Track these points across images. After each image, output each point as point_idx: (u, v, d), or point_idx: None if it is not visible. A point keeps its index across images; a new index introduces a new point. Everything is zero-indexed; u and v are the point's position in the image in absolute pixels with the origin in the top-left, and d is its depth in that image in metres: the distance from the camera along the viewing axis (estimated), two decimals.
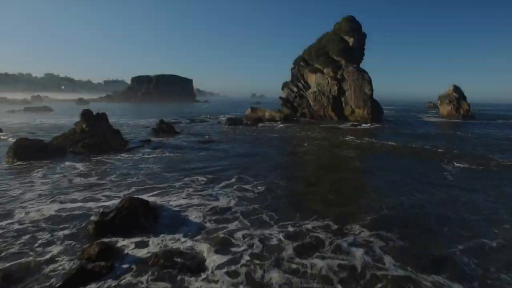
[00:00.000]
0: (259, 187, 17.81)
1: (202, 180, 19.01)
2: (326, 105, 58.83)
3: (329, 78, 58.63)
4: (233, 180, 19.25)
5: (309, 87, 61.95)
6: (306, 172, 21.91)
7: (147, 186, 17.47)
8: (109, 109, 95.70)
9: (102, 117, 30.33)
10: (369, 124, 52.19)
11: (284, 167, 22.96)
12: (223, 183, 18.55)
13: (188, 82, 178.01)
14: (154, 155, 26.15)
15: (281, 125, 49.71)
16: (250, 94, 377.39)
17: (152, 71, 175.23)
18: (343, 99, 58.18)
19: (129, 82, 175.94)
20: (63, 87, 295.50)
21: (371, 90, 55.61)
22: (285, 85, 64.66)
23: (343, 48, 58.22)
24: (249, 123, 50.76)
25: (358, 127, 50.05)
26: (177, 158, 25.08)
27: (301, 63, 63.06)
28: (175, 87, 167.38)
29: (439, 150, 29.98)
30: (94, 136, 27.67)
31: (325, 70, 59.30)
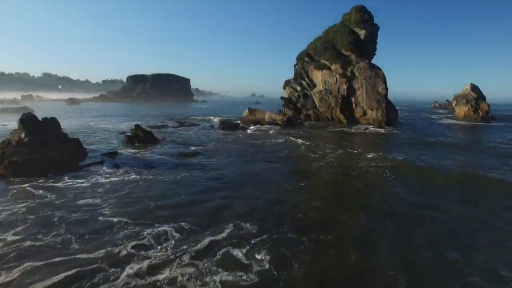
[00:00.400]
0: (259, 256, 10.01)
1: (171, 236, 11.26)
2: (334, 106, 50.90)
3: (337, 76, 50.67)
4: (219, 236, 11.39)
5: (315, 86, 53.99)
6: (326, 217, 13.95)
7: (56, 260, 9.50)
8: (96, 110, 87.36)
9: (51, 123, 22.31)
10: (383, 129, 44.27)
11: (292, 205, 14.91)
12: (202, 243, 10.76)
13: (186, 81, 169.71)
14: (113, 179, 18.21)
15: (283, 131, 41.76)
16: (250, 94, 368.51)
17: (152, 71, 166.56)
18: (353, 99, 50.26)
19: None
20: (60, 87, 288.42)
21: (386, 89, 47.75)
22: (287, 84, 56.65)
23: (353, 41, 50.26)
24: (246, 127, 42.81)
25: (371, 129, 42.25)
26: (143, 185, 17.14)
27: (306, 58, 55.04)
28: (172, 86, 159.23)
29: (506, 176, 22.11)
30: (33, 150, 19.68)
31: (332, 67, 51.33)
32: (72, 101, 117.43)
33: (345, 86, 49.95)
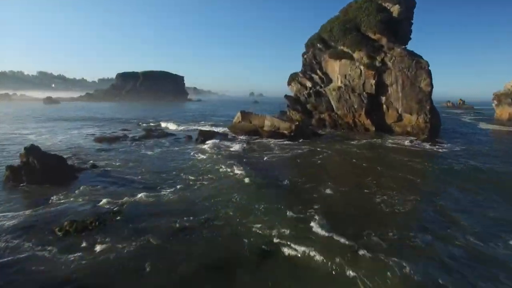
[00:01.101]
0: None
1: None
2: (358, 108, 36.64)
3: (362, 67, 36.41)
4: None
5: (330, 81, 39.69)
6: None
7: None
8: (68, 110, 71.00)
9: None
10: (430, 144, 30.00)
11: None
12: None
13: (180, 79, 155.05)
14: None
15: (293, 148, 27.58)
16: (249, 93, 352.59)
17: (149, 69, 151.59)
18: (383, 98, 36.01)
19: None
20: (53, 85, 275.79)
21: (431, 85, 33.55)
22: (293, 78, 42.30)
23: (383, 20, 35.97)
24: (235, 140, 28.69)
25: (414, 143, 28.13)
26: None
27: (318, 45, 40.60)
28: (164, 84, 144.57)
29: None
30: None
31: (355, 55, 37.05)
32: (50, 101, 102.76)
33: (373, 81, 35.71)
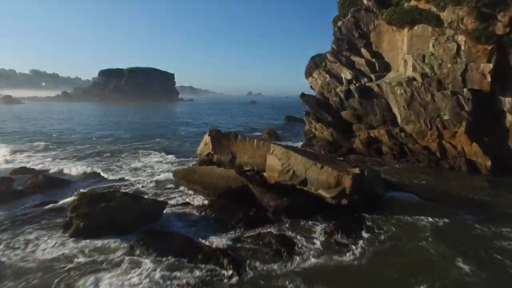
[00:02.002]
0: None
1: None
2: (450, 121, 17.59)
3: (460, 38, 17.35)
4: None
5: (389, 68, 20.63)
6: None
7: None
8: (14, 114, 50.78)
9: None
10: None
11: None
12: None
13: (169, 76, 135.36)
14: None
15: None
16: (247, 92, 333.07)
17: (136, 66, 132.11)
18: (507, 101, 16.94)
19: None
20: (43, 84, 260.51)
21: None
22: (316, 65, 23.12)
23: None
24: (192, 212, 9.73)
25: None
26: None
27: (364, 1, 21.42)
28: (152, 82, 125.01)
29: None
30: None
31: (445, 14, 17.95)
32: (9, 100, 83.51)
33: (487, 67, 16.74)
